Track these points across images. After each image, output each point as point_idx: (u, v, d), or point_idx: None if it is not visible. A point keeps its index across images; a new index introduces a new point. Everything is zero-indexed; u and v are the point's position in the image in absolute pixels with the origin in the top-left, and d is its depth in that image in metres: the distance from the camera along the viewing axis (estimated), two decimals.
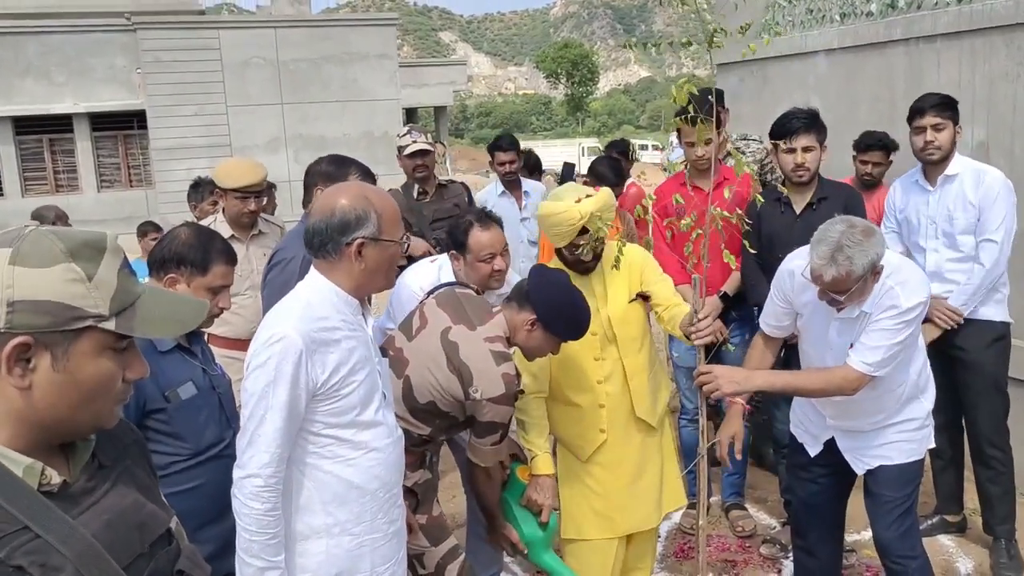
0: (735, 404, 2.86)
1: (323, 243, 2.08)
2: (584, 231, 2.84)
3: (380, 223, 2.07)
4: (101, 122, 18.76)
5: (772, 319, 3.02)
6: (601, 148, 38.69)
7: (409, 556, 2.50)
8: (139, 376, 1.21)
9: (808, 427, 3.09)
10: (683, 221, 2.60)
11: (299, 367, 1.98)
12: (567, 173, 5.68)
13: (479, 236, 3.13)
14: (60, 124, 18.48)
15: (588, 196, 2.85)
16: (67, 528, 1.09)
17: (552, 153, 40.03)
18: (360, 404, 2.10)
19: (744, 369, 2.92)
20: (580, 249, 2.88)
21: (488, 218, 3.21)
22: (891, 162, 4.59)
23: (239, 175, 3.91)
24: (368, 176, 3.31)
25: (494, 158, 5.20)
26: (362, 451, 2.11)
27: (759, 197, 2.85)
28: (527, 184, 5.31)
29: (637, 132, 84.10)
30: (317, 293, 2.10)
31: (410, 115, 23.97)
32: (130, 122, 18.89)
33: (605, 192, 2.93)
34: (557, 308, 2.66)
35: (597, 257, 2.96)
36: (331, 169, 3.28)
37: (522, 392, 2.73)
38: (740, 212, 2.55)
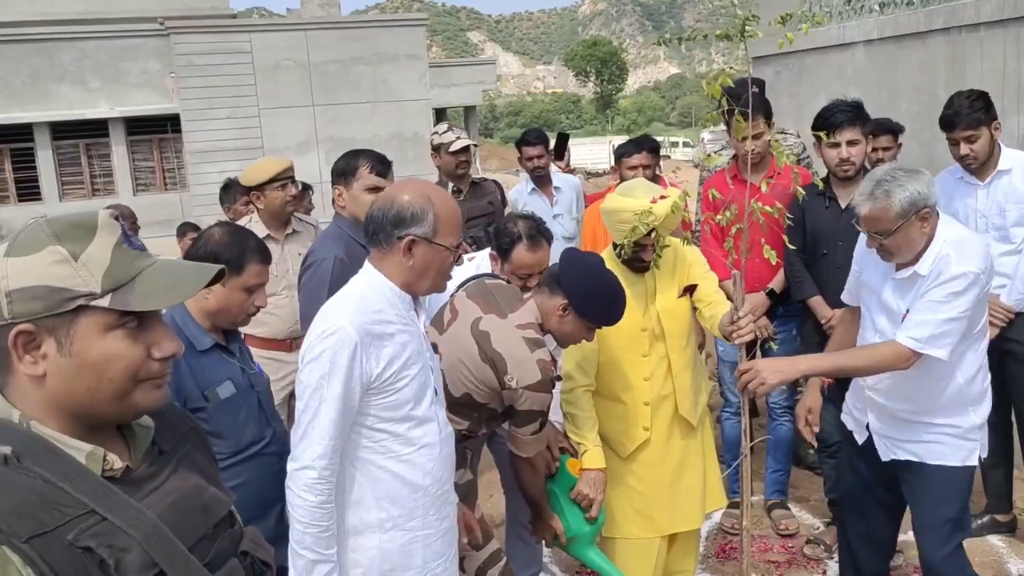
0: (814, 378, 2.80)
1: (376, 232, 2.09)
2: (652, 232, 2.78)
3: (436, 225, 2.07)
4: (136, 126, 19.01)
5: (849, 288, 2.97)
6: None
7: None
8: (169, 353, 1.19)
9: (853, 410, 3.00)
10: (719, 215, 2.53)
11: (354, 360, 1.98)
12: (561, 144, 5.51)
13: (523, 256, 3.04)
14: (96, 129, 18.74)
15: (662, 197, 2.77)
16: (132, 510, 1.12)
17: (581, 152, 39.93)
18: (413, 399, 2.09)
19: (786, 358, 2.84)
20: (646, 250, 2.82)
21: (540, 236, 3.09)
22: (900, 144, 4.44)
23: (267, 166, 3.96)
24: (382, 163, 3.28)
25: (522, 153, 5.13)
26: (415, 447, 2.10)
27: (800, 191, 2.78)
28: (558, 179, 5.23)
29: (667, 129, 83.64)
30: (371, 287, 2.09)
31: (439, 115, 23.99)
32: (164, 126, 19.12)
33: (676, 192, 2.85)
34: (589, 292, 2.61)
35: (658, 256, 2.91)
36: (343, 163, 3.29)
37: (559, 378, 2.68)
38: (780, 206, 2.49)
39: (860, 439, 2.96)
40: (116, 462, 1.15)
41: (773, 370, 2.62)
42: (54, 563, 1.03)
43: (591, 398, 2.97)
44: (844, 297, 3.02)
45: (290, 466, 2.04)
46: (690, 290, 2.99)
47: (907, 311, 2.65)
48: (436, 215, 2.07)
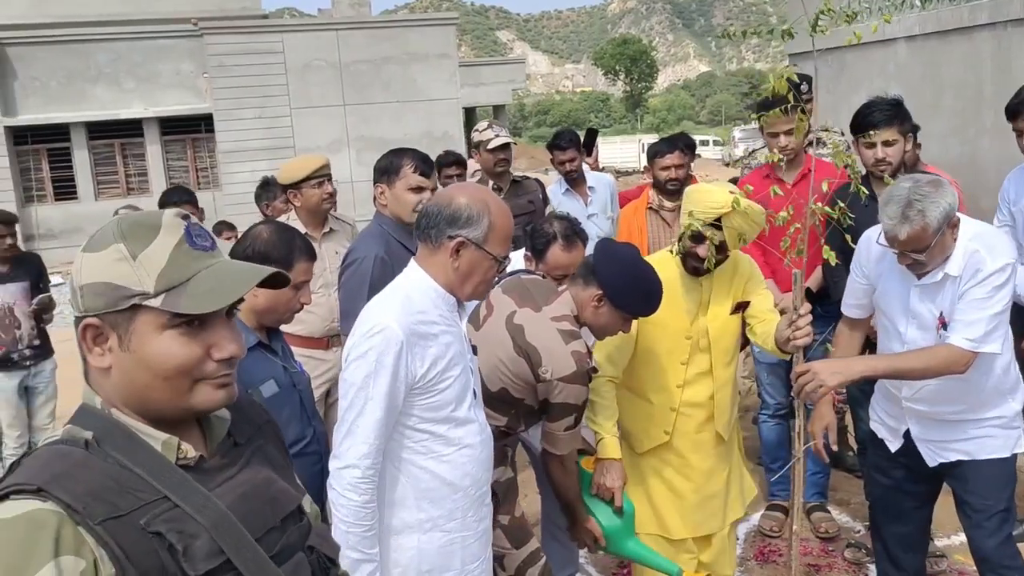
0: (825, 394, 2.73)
1: (429, 226, 2.09)
2: (718, 227, 2.69)
3: (488, 232, 2.06)
4: (170, 126, 19.21)
5: (852, 298, 2.90)
6: None
7: None
8: (228, 355, 1.19)
9: (885, 419, 2.95)
10: (780, 215, 2.47)
11: (399, 359, 1.98)
12: (589, 140, 5.41)
13: (558, 256, 3.02)
14: (131, 129, 18.97)
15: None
16: (203, 499, 1.15)
17: (611, 150, 39.79)
18: (455, 400, 2.09)
19: (841, 359, 2.77)
20: (703, 243, 2.71)
21: (575, 236, 3.06)
22: (918, 144, 4.27)
23: (304, 163, 3.97)
24: (425, 163, 3.27)
25: (554, 156, 5.07)
26: (455, 447, 2.10)
27: (862, 188, 2.69)
28: (592, 178, 5.16)
29: (697, 128, 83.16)
30: (416, 287, 2.09)
31: (469, 115, 24.02)
32: (197, 125, 19.31)
33: (759, 206, 2.76)
34: (625, 282, 2.57)
35: (714, 264, 2.79)
36: (386, 161, 3.28)
37: (595, 370, 2.63)
38: (842, 205, 2.43)
39: (894, 447, 2.91)
40: (190, 451, 1.19)
41: (831, 371, 2.55)
42: (126, 546, 1.07)
43: (614, 388, 2.92)
44: (850, 311, 2.93)
45: (333, 464, 2.04)
46: (743, 306, 2.93)
47: (941, 314, 2.61)
48: (491, 222, 2.06)
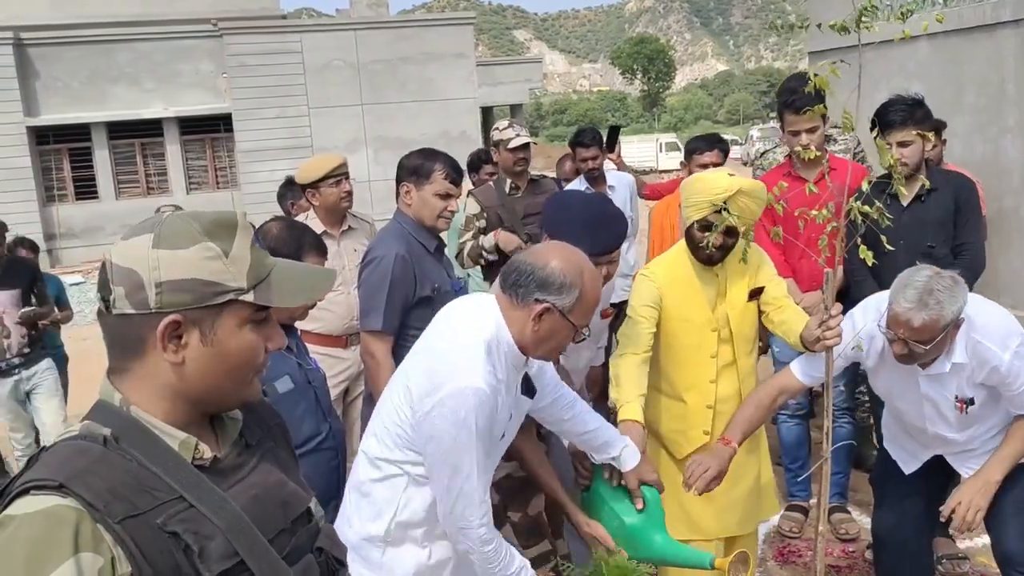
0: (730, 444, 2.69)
1: (517, 283, 2.04)
2: (723, 212, 2.66)
3: (576, 304, 2.02)
4: (189, 126, 19.34)
5: (815, 371, 2.76)
6: (679, 143, 37.86)
7: None
8: (278, 347, 1.26)
9: (904, 445, 2.93)
10: (821, 212, 2.44)
11: (490, 419, 1.99)
12: (612, 137, 5.34)
13: None
14: (151, 128, 19.11)
15: (733, 174, 2.75)
16: (218, 500, 1.15)
17: (628, 150, 39.62)
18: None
19: (976, 477, 2.72)
20: (712, 230, 2.68)
21: None
22: (944, 141, 4.20)
23: (320, 163, 3.98)
24: (456, 171, 3.26)
25: (575, 154, 5.04)
26: None
27: (901, 189, 2.65)
28: (612, 178, 5.14)
29: (715, 127, 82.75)
30: (497, 343, 2.04)
31: (486, 114, 24.02)
32: (216, 125, 19.43)
33: (760, 183, 2.78)
34: (567, 222, 2.55)
35: (725, 251, 2.77)
36: (419, 162, 3.24)
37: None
38: (879, 204, 2.40)
39: (908, 470, 2.90)
40: (207, 452, 1.20)
41: (979, 494, 2.62)
42: (143, 545, 1.07)
43: (639, 363, 2.78)
44: (803, 377, 2.81)
45: (454, 525, 2.03)
46: (758, 293, 2.90)
47: (956, 397, 2.63)
48: (581, 293, 2.02)
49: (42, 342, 5.03)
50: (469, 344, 2.01)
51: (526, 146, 4.44)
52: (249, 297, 1.18)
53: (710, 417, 2.86)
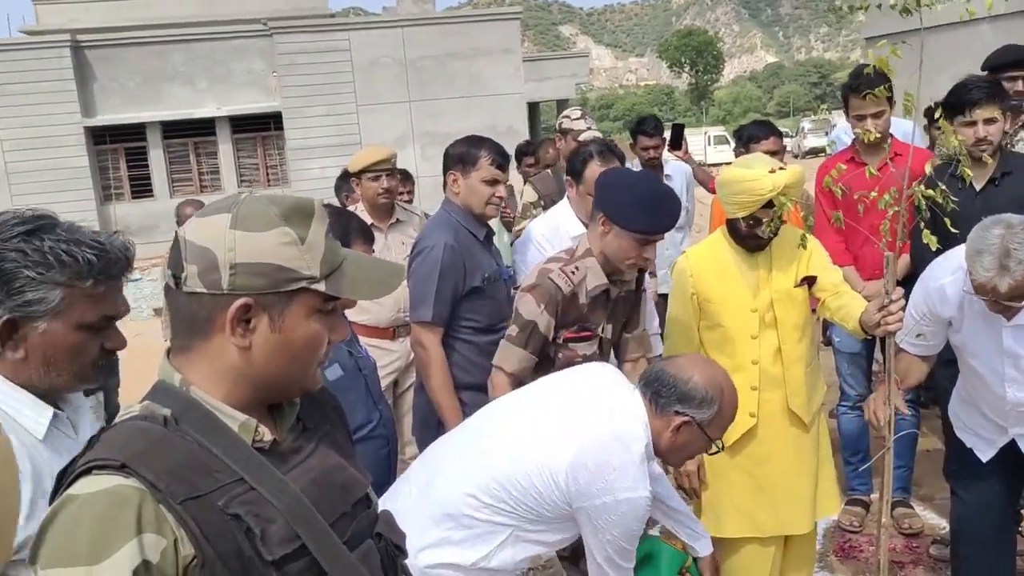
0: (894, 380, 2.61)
1: (659, 392, 2.11)
2: (770, 205, 2.64)
3: (714, 419, 2.12)
4: (241, 124, 19.63)
5: (918, 338, 2.73)
6: (728, 136, 37.48)
7: None
8: (341, 338, 1.24)
9: (980, 432, 2.81)
10: (884, 197, 2.36)
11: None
12: (677, 135, 5.25)
13: (596, 171, 3.04)
14: (204, 127, 19.45)
15: (781, 168, 2.66)
16: (279, 483, 1.13)
17: None
18: None
19: None
20: (762, 225, 2.69)
21: (609, 152, 3.19)
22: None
23: (366, 155, 3.99)
24: (502, 156, 3.23)
25: (637, 142, 4.97)
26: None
27: (967, 171, 2.55)
28: (669, 167, 5.07)
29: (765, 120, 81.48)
30: (642, 445, 2.08)
31: (532, 109, 23.97)
32: (267, 124, 19.68)
33: (798, 168, 2.73)
34: (622, 199, 2.56)
35: (774, 234, 2.75)
36: (464, 150, 3.20)
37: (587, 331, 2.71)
38: (943, 187, 2.31)
39: (986, 457, 2.79)
40: (267, 434, 1.18)
41: None
42: (205, 526, 1.06)
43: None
44: (912, 348, 2.77)
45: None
46: (809, 281, 2.83)
47: None
48: (720, 409, 2.11)
49: None
50: (636, 453, 2.05)
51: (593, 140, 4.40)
52: (321, 287, 1.16)
53: (756, 399, 2.80)
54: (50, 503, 1.09)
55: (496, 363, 2.69)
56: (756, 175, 2.62)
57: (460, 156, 3.18)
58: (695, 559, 2.50)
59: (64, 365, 1.47)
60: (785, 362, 2.81)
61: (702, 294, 2.83)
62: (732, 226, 2.80)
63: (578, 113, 4.56)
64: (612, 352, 2.93)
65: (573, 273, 2.62)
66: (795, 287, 2.82)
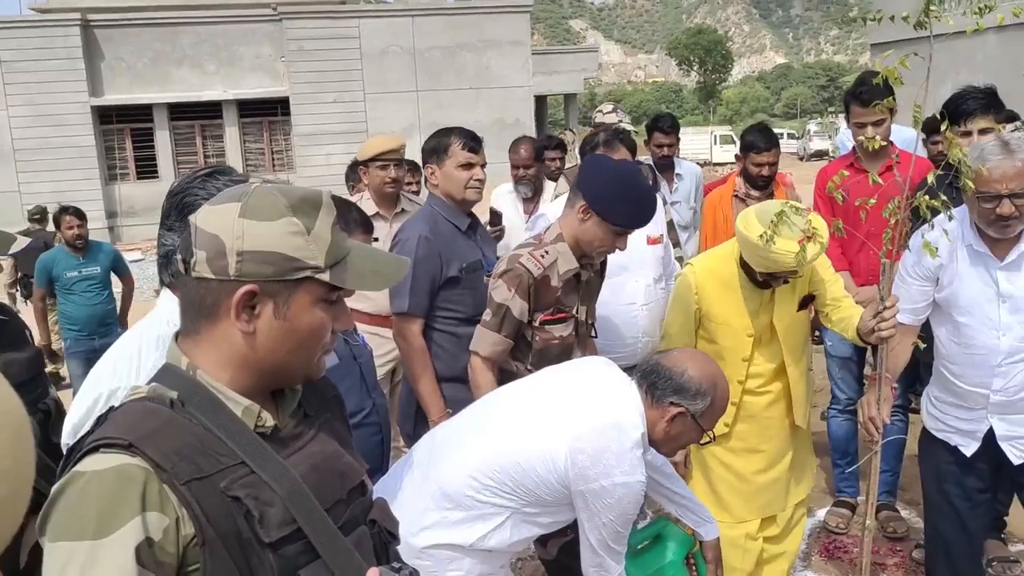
0: (886, 380, 2.64)
1: (655, 384, 2.17)
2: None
3: (707, 411, 2.16)
4: (248, 109, 19.66)
5: (909, 303, 2.73)
6: (734, 136, 37.27)
7: None
8: (345, 327, 1.27)
9: (959, 426, 2.80)
10: (887, 207, 2.40)
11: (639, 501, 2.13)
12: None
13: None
14: (211, 110, 19.48)
15: (811, 235, 2.52)
16: (279, 467, 1.17)
17: (682, 143, 39.14)
18: None
19: None
20: (779, 280, 2.72)
21: (617, 141, 3.25)
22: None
23: (375, 144, 4.01)
24: (473, 139, 3.24)
25: (651, 138, 4.96)
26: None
27: (968, 183, 2.59)
28: (681, 166, 5.08)
29: (772, 121, 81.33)
30: (639, 432, 2.12)
31: (540, 102, 23.96)
32: (275, 109, 19.72)
33: (823, 227, 2.61)
34: (606, 190, 2.56)
35: (786, 282, 2.79)
36: (435, 142, 3.23)
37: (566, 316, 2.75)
38: (944, 198, 2.35)
39: (970, 451, 2.79)
40: (269, 420, 1.21)
41: None
42: (206, 507, 1.10)
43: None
44: (906, 317, 2.74)
45: (597, 572, 2.19)
46: (810, 300, 2.88)
47: None
48: (713, 402, 2.16)
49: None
50: (632, 440, 2.10)
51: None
52: (325, 276, 1.19)
53: (732, 413, 2.87)
54: (57, 479, 1.13)
55: (472, 347, 2.76)
56: (784, 250, 2.52)
57: (432, 148, 3.23)
58: (700, 543, 2.54)
59: None
60: (792, 382, 2.90)
61: (703, 310, 2.90)
62: (746, 267, 2.79)
63: (610, 107, 4.63)
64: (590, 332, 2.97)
65: (543, 257, 2.66)
66: (797, 311, 2.87)
